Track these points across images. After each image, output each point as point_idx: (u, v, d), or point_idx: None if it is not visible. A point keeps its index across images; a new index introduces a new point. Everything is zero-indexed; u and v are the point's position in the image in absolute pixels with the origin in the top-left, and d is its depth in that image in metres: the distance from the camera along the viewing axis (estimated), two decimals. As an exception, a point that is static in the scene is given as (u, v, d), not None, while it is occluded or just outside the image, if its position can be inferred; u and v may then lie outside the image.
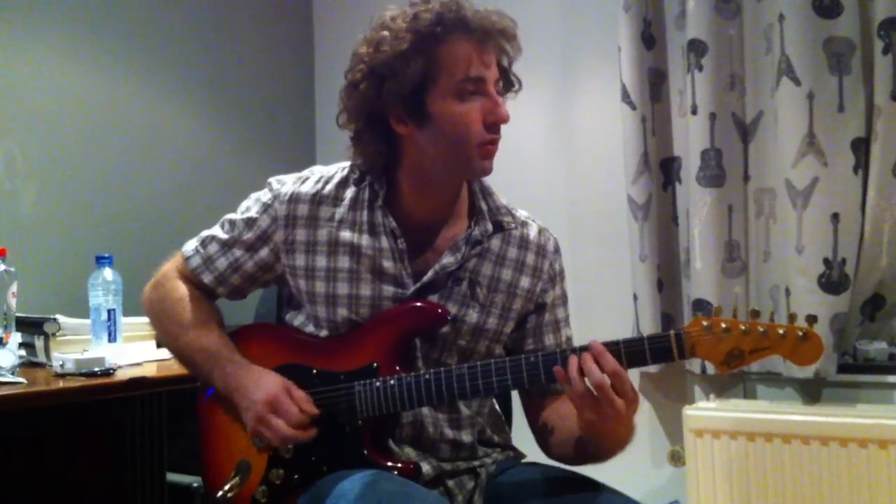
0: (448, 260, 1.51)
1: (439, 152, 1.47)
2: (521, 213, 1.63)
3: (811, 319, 1.31)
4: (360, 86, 1.46)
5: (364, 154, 1.52)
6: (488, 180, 1.61)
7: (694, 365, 2.45)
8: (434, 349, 1.53)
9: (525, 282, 1.57)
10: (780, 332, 1.30)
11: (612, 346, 1.34)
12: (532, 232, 1.61)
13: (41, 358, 2.04)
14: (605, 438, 1.40)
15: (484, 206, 1.57)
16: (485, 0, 1.46)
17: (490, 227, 1.55)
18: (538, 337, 1.60)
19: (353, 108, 1.48)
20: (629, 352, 1.34)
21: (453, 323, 1.51)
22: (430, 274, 1.51)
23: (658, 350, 1.34)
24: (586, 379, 1.32)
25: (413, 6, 1.44)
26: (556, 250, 1.64)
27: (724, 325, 1.32)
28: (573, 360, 1.33)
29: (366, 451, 1.45)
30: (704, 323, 1.33)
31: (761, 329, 1.31)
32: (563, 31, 2.79)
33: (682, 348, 1.33)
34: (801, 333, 1.30)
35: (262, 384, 1.46)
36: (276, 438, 1.44)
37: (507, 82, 1.52)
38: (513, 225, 1.58)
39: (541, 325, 1.60)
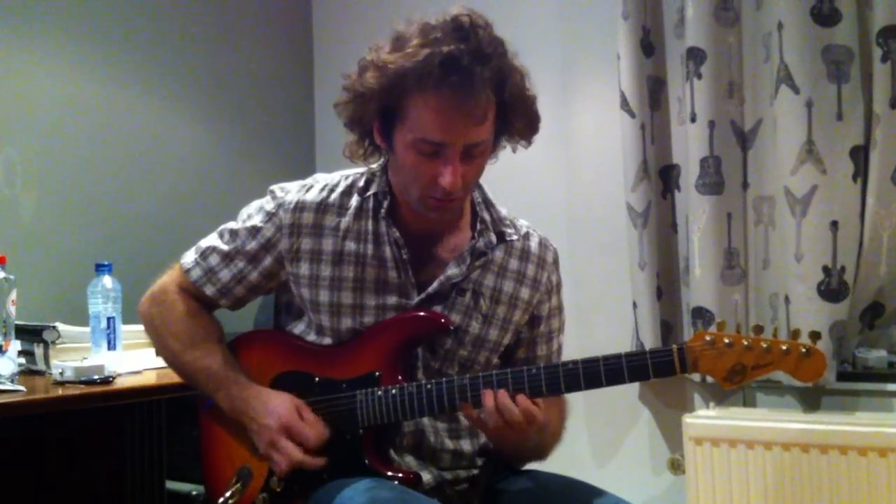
0: (453, 271, 1.51)
1: (397, 180, 1.49)
2: (522, 224, 1.62)
3: (815, 336, 1.31)
4: (345, 99, 1.46)
5: (362, 156, 1.53)
6: (489, 190, 1.61)
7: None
8: (435, 359, 1.52)
9: (525, 293, 1.57)
10: (784, 347, 1.30)
11: (614, 360, 1.35)
12: (533, 243, 1.61)
13: (40, 366, 2.03)
14: (519, 447, 1.49)
15: (487, 217, 1.57)
16: (487, 10, 1.45)
17: (494, 238, 1.55)
18: (531, 347, 1.61)
19: (345, 116, 1.49)
20: (631, 366, 1.35)
21: (455, 333, 1.51)
22: (435, 285, 1.51)
23: (660, 364, 1.34)
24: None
25: (398, 45, 1.38)
26: (555, 262, 1.64)
27: (726, 340, 1.32)
28: (488, 395, 1.37)
29: (367, 460, 1.45)
30: (707, 337, 1.33)
31: (764, 345, 1.31)
32: (563, 39, 2.79)
33: (684, 363, 1.33)
34: (804, 350, 1.30)
35: (272, 408, 1.46)
36: (288, 463, 1.43)
37: (507, 132, 1.47)
38: (515, 236, 1.58)
39: (534, 336, 1.61)
